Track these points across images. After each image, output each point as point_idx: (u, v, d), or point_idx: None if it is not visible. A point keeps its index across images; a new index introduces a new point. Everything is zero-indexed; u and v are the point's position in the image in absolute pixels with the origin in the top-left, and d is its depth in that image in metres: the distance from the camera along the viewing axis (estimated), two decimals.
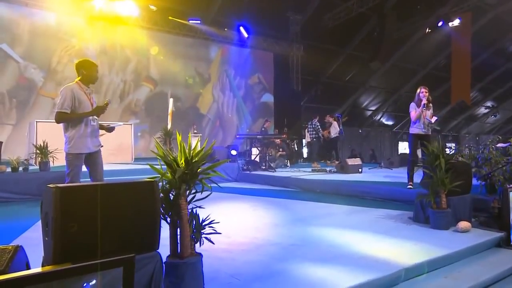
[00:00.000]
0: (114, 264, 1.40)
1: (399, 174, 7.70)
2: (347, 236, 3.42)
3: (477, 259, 3.00)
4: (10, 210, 4.86)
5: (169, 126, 8.24)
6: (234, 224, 3.93)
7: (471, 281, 2.52)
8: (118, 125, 4.42)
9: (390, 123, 22.26)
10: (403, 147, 22.78)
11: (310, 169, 8.88)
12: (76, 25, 10.69)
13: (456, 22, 13.80)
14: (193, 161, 2.22)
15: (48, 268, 1.36)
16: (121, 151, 8.60)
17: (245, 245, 3.24)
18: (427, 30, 14.53)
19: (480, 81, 20.62)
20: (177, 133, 2.33)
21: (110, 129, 3.93)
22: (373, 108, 20.58)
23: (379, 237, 3.35)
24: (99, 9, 10.30)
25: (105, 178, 3.82)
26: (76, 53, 10.65)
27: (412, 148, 5.47)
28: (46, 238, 1.89)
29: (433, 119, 5.26)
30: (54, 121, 3.42)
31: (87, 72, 3.49)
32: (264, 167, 8.80)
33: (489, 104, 24.95)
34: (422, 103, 5.15)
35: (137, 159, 9.31)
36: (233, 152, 8.93)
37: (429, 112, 5.22)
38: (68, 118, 3.39)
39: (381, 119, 21.61)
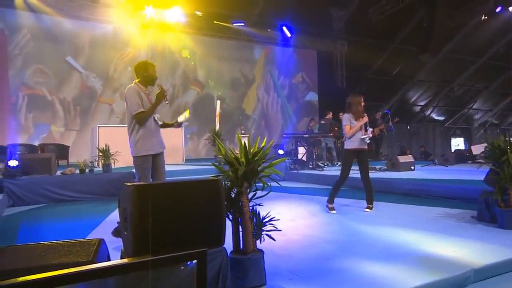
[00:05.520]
0: (189, 257, 1.50)
1: (455, 171, 7.31)
2: (405, 235, 3.33)
3: None
4: (80, 209, 5.31)
5: (217, 128, 8.47)
6: (287, 221, 3.98)
7: None
8: (185, 119, 3.84)
9: (441, 118, 21.03)
10: (456, 143, 21.46)
11: (357, 167, 8.66)
12: (130, 34, 11.42)
13: None
14: (254, 159, 2.31)
15: (132, 259, 1.50)
16: (173, 153, 8.99)
17: (301, 242, 3.28)
18: (483, 17, 13.53)
19: None
20: (237, 133, 2.43)
21: (179, 125, 3.83)
22: (422, 103, 19.55)
23: (439, 237, 3.22)
24: (150, 17, 10.89)
25: None
26: (130, 61, 11.33)
27: (346, 165, 4.69)
28: (125, 232, 2.07)
29: (368, 132, 4.58)
30: (138, 124, 3.35)
31: (147, 73, 3.45)
32: (311, 166, 8.76)
33: None
34: (363, 117, 4.52)
35: (187, 161, 9.70)
36: (280, 152, 8.99)
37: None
38: (147, 115, 3.36)
39: (432, 114, 20.46)
